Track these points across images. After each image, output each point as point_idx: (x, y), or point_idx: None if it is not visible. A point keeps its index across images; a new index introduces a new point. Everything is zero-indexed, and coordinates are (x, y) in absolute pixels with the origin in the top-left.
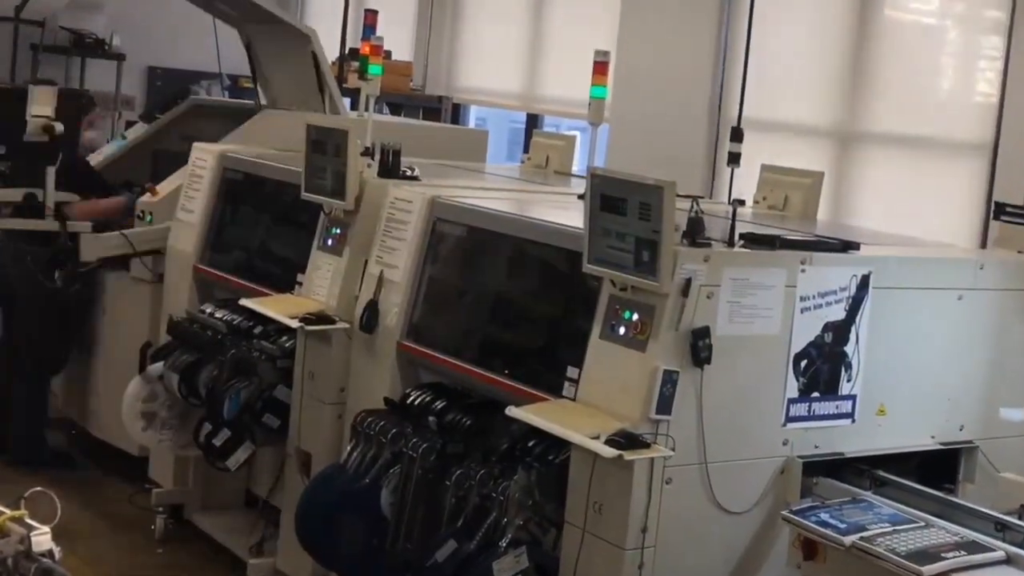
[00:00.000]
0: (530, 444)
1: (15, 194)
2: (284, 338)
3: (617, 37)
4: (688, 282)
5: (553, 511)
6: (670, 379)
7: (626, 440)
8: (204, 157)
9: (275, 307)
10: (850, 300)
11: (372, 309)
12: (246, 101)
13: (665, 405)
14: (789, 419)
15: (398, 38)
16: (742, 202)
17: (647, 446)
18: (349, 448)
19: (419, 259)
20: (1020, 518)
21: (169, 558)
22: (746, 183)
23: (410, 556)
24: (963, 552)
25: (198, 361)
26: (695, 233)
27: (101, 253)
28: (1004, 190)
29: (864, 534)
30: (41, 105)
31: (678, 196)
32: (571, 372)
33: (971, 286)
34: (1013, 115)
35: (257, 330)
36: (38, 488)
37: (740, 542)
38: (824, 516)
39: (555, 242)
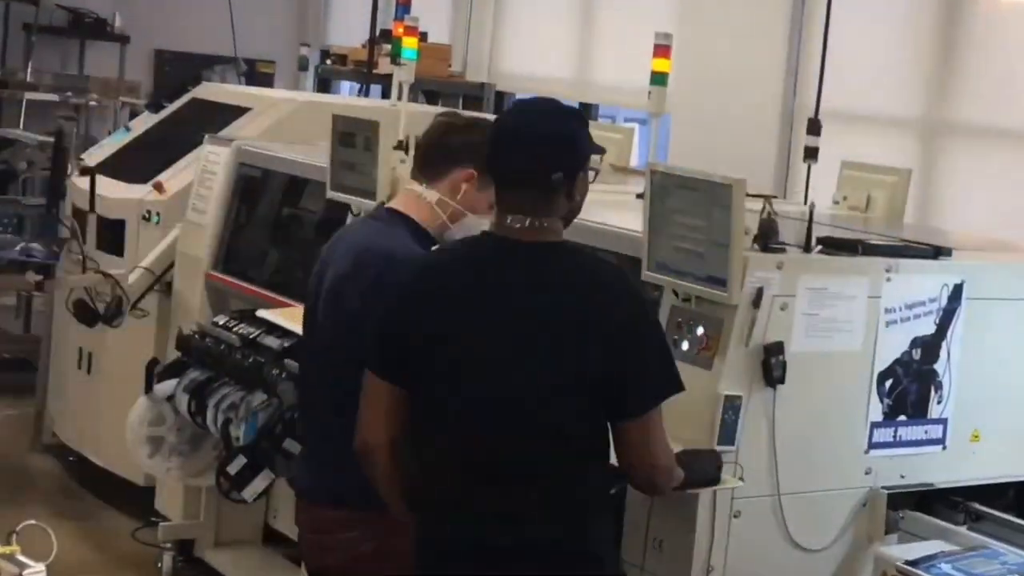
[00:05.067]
0: None
1: None
2: None
3: (680, 17)
4: (759, 292)
5: None
6: (732, 406)
7: None
8: (217, 151)
9: (298, 319)
10: (941, 312)
11: None
12: (263, 89)
13: (728, 435)
14: (872, 445)
15: (435, 18)
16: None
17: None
18: None
19: None
20: None
21: None
22: (824, 181)
23: None
24: None
25: (211, 380)
26: (767, 237)
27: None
28: None
29: None
30: None
31: (748, 195)
32: None
33: None
34: None
35: (277, 345)
36: (32, 521)
37: None
38: (945, 568)
39: (610, 247)
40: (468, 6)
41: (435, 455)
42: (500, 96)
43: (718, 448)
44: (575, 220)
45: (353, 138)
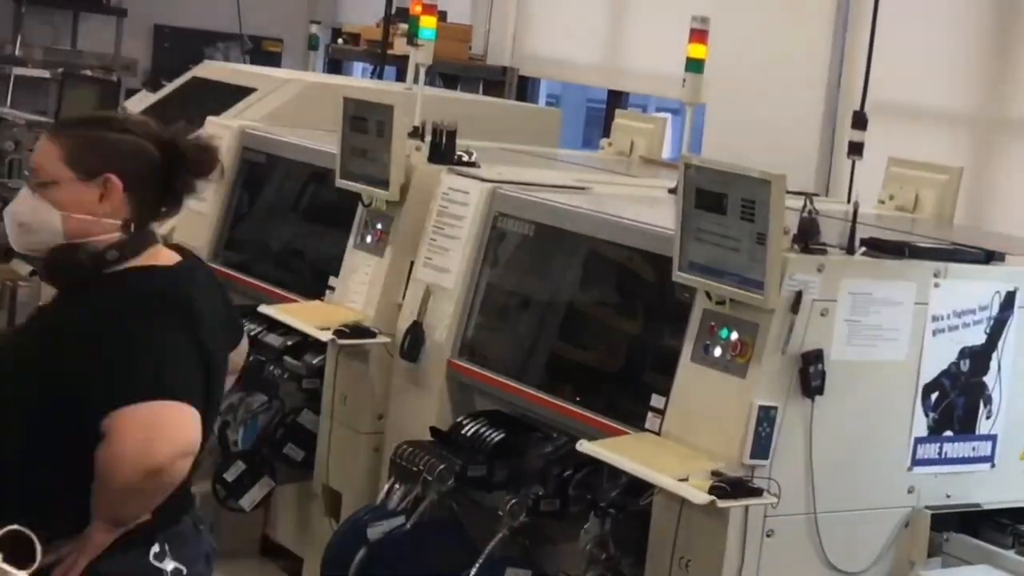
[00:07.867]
0: (605, 486)
1: None
2: (311, 353)
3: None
4: (798, 296)
5: (631, 567)
6: (767, 416)
7: (728, 484)
8: (219, 134)
9: (302, 316)
10: (992, 321)
11: (416, 333)
12: (270, 68)
13: (762, 448)
14: (916, 462)
15: None
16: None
17: (757, 492)
18: (387, 487)
19: (476, 262)
20: None
21: None
22: (870, 179)
23: None
24: None
25: None
26: (808, 237)
27: None
28: None
29: None
30: None
31: (788, 192)
32: (656, 401)
33: None
34: None
35: (279, 343)
36: (14, 527)
37: None
38: None
39: (639, 244)
40: None
41: None
42: (523, 81)
43: (751, 462)
44: (603, 215)
45: (365, 123)
